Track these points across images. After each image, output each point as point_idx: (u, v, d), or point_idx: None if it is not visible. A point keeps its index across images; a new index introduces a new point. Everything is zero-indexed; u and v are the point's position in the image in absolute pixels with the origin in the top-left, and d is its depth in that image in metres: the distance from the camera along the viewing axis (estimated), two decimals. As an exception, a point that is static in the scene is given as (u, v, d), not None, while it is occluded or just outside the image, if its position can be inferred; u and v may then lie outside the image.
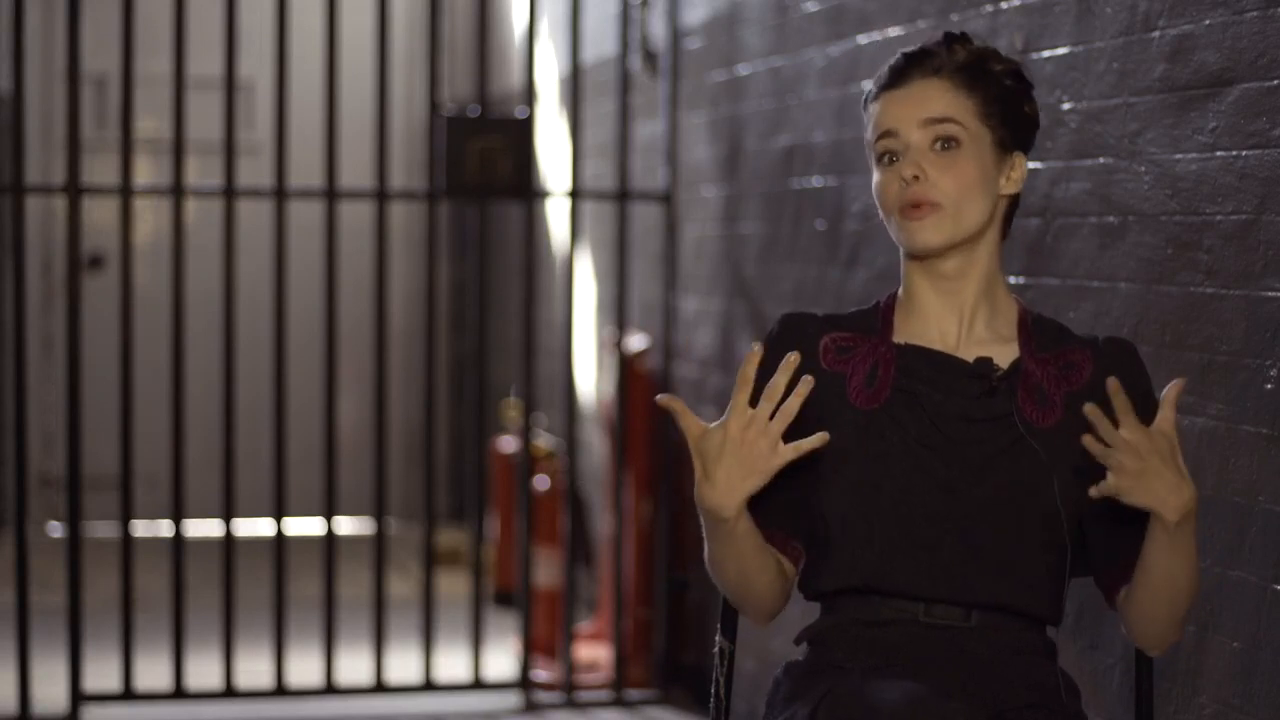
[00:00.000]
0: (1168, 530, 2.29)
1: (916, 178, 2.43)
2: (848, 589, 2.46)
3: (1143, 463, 2.25)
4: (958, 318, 2.50)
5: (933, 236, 2.44)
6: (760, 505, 2.41)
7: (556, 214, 6.79)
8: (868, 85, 2.56)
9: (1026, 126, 2.52)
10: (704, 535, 2.43)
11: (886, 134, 2.46)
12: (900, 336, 2.51)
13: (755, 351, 2.32)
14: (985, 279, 2.50)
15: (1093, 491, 2.28)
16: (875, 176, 2.49)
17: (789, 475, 2.40)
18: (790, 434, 2.35)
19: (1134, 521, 2.38)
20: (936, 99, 2.45)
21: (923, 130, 2.44)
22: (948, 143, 2.44)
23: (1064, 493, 2.39)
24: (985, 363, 2.47)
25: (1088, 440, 2.27)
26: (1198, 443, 3.05)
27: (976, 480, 2.40)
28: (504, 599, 6.59)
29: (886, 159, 2.47)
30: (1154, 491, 2.26)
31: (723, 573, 2.46)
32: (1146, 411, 2.46)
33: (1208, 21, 3.05)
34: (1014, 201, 2.53)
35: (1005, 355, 2.48)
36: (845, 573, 2.43)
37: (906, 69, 2.47)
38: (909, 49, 2.51)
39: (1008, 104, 2.48)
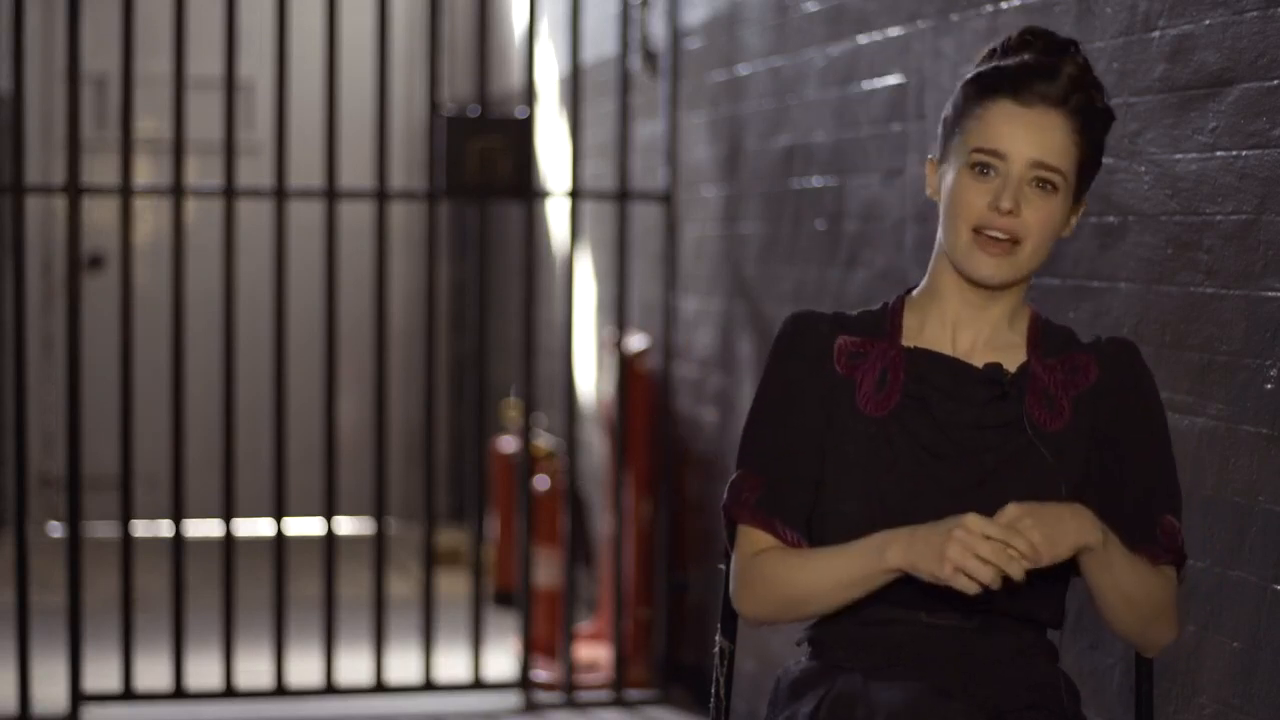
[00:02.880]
0: (1094, 553, 2.31)
1: (1011, 211, 2.40)
2: None
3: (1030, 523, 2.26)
4: (976, 329, 2.50)
5: (998, 274, 2.43)
6: (771, 497, 2.43)
7: (556, 214, 6.79)
8: (970, 69, 2.48)
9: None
10: (829, 571, 2.40)
11: (994, 152, 2.41)
12: (909, 340, 2.51)
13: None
14: (1015, 298, 2.50)
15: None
16: (951, 176, 2.44)
17: (801, 477, 2.45)
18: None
19: (1124, 523, 2.39)
20: (1053, 140, 2.40)
21: (1031, 168, 2.40)
22: (1047, 184, 2.41)
23: (1071, 496, 2.39)
24: (995, 368, 2.47)
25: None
26: (1198, 443, 3.05)
27: (985, 487, 2.40)
28: (504, 599, 6.59)
29: (980, 169, 2.42)
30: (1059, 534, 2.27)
31: (821, 605, 2.45)
32: (1144, 410, 2.46)
33: (1208, 21, 3.05)
34: None
35: (1013, 359, 2.48)
36: None
37: (1032, 84, 2.41)
38: (1033, 54, 2.42)
39: (1100, 154, 2.47)
